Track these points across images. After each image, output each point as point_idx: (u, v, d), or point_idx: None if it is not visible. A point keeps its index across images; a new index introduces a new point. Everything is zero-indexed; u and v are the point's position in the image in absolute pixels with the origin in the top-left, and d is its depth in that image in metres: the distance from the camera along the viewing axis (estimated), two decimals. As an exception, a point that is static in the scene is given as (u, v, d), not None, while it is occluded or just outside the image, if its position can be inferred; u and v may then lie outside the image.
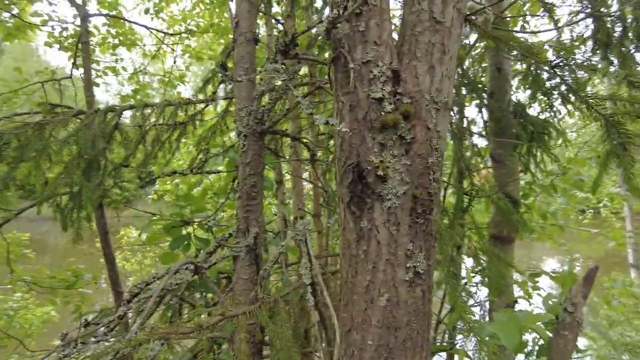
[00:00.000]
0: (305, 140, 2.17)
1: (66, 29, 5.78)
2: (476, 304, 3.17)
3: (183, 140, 2.74)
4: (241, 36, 1.77)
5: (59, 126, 2.33)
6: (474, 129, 2.71)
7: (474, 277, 2.65)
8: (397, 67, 1.07)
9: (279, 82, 1.68)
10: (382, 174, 1.01)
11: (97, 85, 5.94)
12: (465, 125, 2.42)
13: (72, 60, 4.63)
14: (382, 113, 1.03)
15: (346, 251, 1.09)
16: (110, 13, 5.24)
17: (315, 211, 3.74)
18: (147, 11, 5.68)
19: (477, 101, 2.62)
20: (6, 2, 5.82)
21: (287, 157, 2.92)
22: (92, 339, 1.44)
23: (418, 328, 1.02)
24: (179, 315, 1.94)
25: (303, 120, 3.07)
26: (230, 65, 2.19)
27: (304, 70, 3.06)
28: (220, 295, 1.64)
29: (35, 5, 5.95)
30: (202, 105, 2.68)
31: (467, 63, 2.54)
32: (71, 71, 4.48)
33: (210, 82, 3.05)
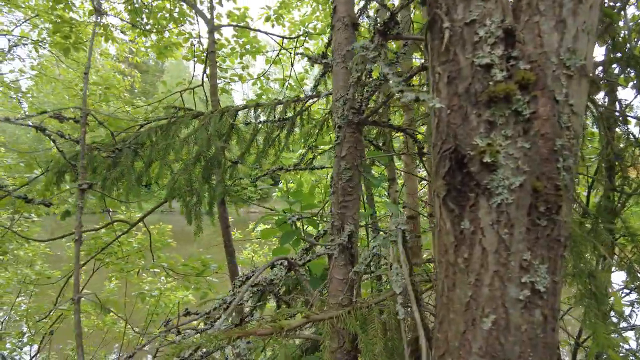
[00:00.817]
0: (410, 132, 1.97)
1: (201, 43, 6.45)
2: (630, 328, 2.56)
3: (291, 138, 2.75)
4: (339, 22, 1.67)
5: (181, 127, 2.53)
6: (630, 114, 2.17)
7: (626, 295, 2.12)
8: (512, 25, 0.83)
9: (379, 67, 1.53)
10: (489, 160, 0.79)
11: (228, 92, 6.50)
12: (617, 109, 1.94)
13: (203, 70, 5.13)
14: (491, 83, 0.81)
15: (442, 258, 0.89)
16: (236, 24, 5.65)
17: (431, 210, 3.46)
18: (268, 19, 5.99)
19: (635, 81, 2.09)
20: (158, 26, 6.72)
21: (395, 152, 2.72)
22: (188, 331, 1.48)
23: (537, 364, 0.77)
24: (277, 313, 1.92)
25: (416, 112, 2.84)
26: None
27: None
28: (312, 294, 1.55)
29: (181, 26, 6.74)
30: (310, 102, 2.65)
31: (622, 32, 2.03)
32: (202, 79, 4.95)
33: (320, 81, 3.04)
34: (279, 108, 2.66)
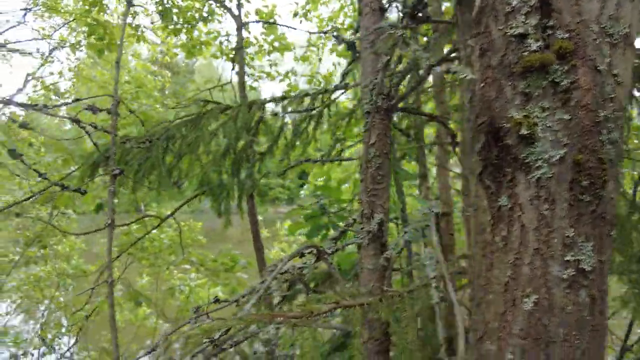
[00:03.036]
0: (443, 120, 1.91)
1: (229, 41, 6.54)
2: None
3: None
4: (366, 7, 1.64)
5: (210, 120, 2.56)
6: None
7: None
8: (550, -8, 0.79)
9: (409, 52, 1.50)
10: (527, 133, 0.75)
11: (255, 89, 6.56)
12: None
13: (232, 68, 5.20)
14: (525, 54, 0.77)
15: (478, 237, 0.85)
16: (265, 21, 5.69)
17: (465, 208, 3.37)
18: (295, 14, 6.01)
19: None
20: (187, 26, 6.86)
21: (426, 143, 2.66)
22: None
23: (583, 346, 0.72)
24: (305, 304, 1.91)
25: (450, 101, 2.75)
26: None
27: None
28: (342, 282, 1.54)
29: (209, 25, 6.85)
30: (338, 93, 2.63)
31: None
32: (231, 76, 5.00)
33: (349, 74, 3.01)
34: (307, 100, 2.65)
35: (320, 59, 5.25)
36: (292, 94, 2.66)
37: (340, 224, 2.90)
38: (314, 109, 2.61)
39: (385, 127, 1.59)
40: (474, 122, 0.83)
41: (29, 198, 3.12)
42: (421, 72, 1.64)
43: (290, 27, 5.08)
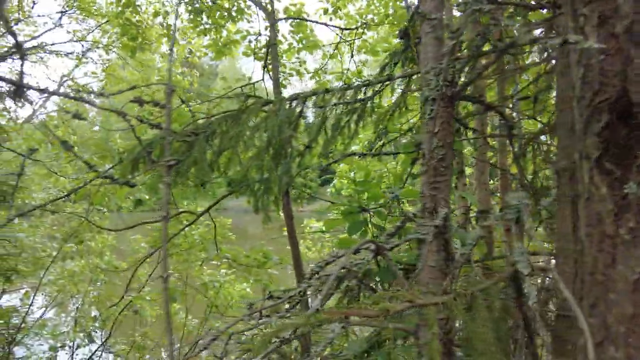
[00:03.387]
0: (502, 110, 1.80)
1: (259, 41, 6.52)
2: None
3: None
4: (428, -10, 1.55)
5: (251, 115, 2.52)
6: None
7: None
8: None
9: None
10: (665, 109, 0.66)
11: (285, 86, 6.53)
12: None
13: (260, 68, 5.18)
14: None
15: (593, 230, 0.76)
16: (296, 17, 5.65)
17: (504, 204, 3.23)
18: (325, 11, 5.94)
19: None
20: (216, 26, 6.88)
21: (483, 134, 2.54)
22: (276, 314, 1.44)
23: None
24: (357, 301, 1.84)
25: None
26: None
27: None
28: (404, 281, 1.45)
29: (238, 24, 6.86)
30: (380, 86, 2.55)
31: None
32: (263, 74, 4.99)
33: (386, 67, 2.92)
34: (349, 93, 2.57)
35: (352, 55, 5.17)
36: (334, 86, 2.59)
37: (381, 221, 2.82)
38: (357, 101, 2.53)
39: (449, 115, 1.50)
40: (591, 101, 0.74)
41: (69, 193, 3.16)
42: (483, 61, 1.54)
43: (322, 24, 5.02)
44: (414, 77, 2.57)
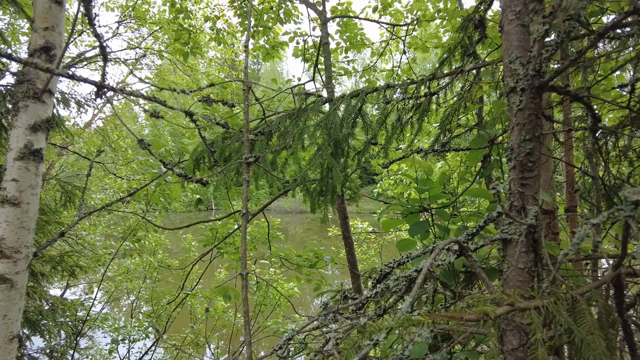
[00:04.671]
0: (588, 101, 1.66)
1: (306, 42, 6.55)
2: None
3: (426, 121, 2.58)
4: (513, -28, 1.46)
5: (310, 114, 2.50)
6: None
7: None
8: None
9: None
10: None
11: (333, 86, 6.51)
12: None
13: (308, 70, 5.19)
14: None
15: None
16: (346, 15, 5.62)
17: (569, 204, 3.03)
18: (375, 9, 5.87)
19: None
20: (261, 27, 6.97)
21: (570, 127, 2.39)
22: (352, 315, 1.39)
23: None
24: (431, 304, 1.76)
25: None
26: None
27: None
28: (490, 285, 1.37)
29: (285, 27, 6.95)
30: (447, 80, 2.46)
31: None
32: (313, 74, 4.99)
33: (445, 62, 2.82)
34: (412, 88, 2.50)
35: (404, 52, 5.07)
36: (396, 82, 2.52)
37: (445, 221, 2.72)
38: (420, 97, 2.45)
39: (536, 107, 1.40)
40: None
41: (132, 193, 3.28)
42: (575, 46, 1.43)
43: (373, 21, 4.95)
44: (482, 69, 2.46)
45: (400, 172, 5.61)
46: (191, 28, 6.90)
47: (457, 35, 2.73)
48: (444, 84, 2.43)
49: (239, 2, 6.84)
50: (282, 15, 6.88)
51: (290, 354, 1.63)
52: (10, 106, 3.55)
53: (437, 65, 2.96)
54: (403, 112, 2.51)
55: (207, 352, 7.35)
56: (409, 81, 2.46)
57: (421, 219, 2.70)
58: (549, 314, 1.06)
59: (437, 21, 6.10)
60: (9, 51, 1.22)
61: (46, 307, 4.86)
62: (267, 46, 6.98)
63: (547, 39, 1.42)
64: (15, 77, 2.56)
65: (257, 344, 7.27)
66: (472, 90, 2.41)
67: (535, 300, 1.08)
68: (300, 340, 1.72)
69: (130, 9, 8.79)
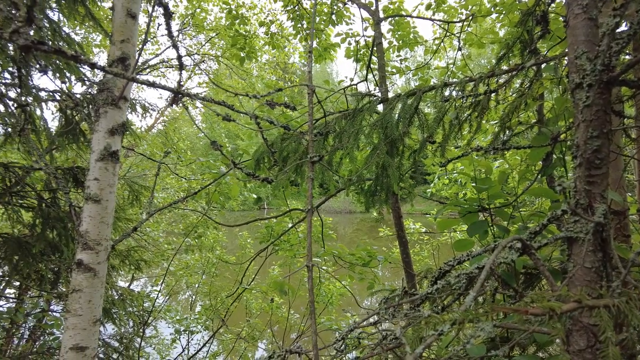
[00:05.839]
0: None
1: (358, 42, 6.59)
2: None
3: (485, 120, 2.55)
4: (580, -34, 1.43)
5: (368, 113, 2.55)
6: None
7: None
8: None
9: None
10: None
11: (387, 86, 6.50)
12: None
13: (360, 70, 5.23)
14: None
15: None
16: (398, 14, 5.60)
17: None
18: (428, 7, 5.80)
19: None
20: (309, 30, 7.10)
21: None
22: (410, 312, 1.43)
23: None
24: (492, 303, 1.76)
25: None
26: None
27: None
28: (554, 284, 1.35)
29: (336, 28, 7.03)
30: (506, 77, 2.41)
31: None
32: (366, 75, 5.03)
33: (504, 59, 2.76)
34: (469, 86, 2.48)
35: (459, 49, 4.97)
36: (453, 80, 2.51)
37: (504, 222, 2.67)
38: (479, 94, 2.43)
39: (605, 102, 1.37)
40: None
41: (196, 192, 3.49)
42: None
43: (426, 19, 4.91)
44: (543, 65, 2.39)
45: (455, 172, 5.50)
46: (246, 33, 7.17)
47: (515, 30, 2.67)
48: (502, 81, 2.39)
49: (292, 7, 7.01)
50: (334, 17, 6.97)
51: (346, 349, 1.70)
52: (87, 112, 3.91)
53: (495, 61, 2.91)
54: (461, 110, 2.49)
55: (260, 346, 7.61)
56: (467, 79, 2.44)
57: (480, 219, 2.67)
58: (620, 314, 1.04)
59: (493, 15, 5.92)
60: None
61: (116, 297, 5.25)
62: (319, 48, 7.10)
63: (617, 30, 1.38)
64: (97, 86, 2.82)
65: (310, 340, 7.42)
66: (532, 86, 2.35)
67: (605, 299, 1.07)
68: (355, 336, 1.78)
69: (189, 17, 9.27)
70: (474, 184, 2.76)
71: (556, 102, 2.25)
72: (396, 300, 1.63)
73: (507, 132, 2.44)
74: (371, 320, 1.66)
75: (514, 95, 2.72)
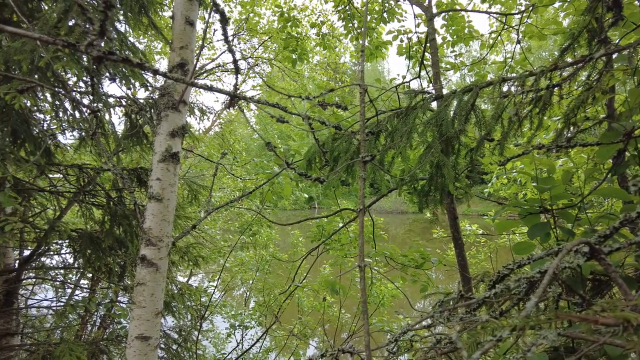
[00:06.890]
0: None
1: (410, 39, 6.47)
2: None
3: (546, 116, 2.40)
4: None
5: (421, 110, 2.49)
6: None
7: None
8: None
9: None
10: None
11: (442, 83, 6.34)
12: None
13: (413, 67, 5.12)
14: None
15: None
16: (451, 9, 5.44)
17: None
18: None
19: None
20: (360, 29, 7.05)
21: None
22: (466, 316, 1.38)
23: None
24: (555, 310, 1.65)
25: None
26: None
27: None
28: (628, 292, 1.25)
29: (388, 26, 6.94)
30: (571, 70, 2.26)
31: None
32: (419, 72, 4.92)
33: (568, 49, 2.59)
34: (530, 80, 2.35)
35: (518, 42, 4.73)
36: (512, 74, 2.39)
37: (568, 224, 2.51)
38: (540, 89, 2.29)
39: (689, 94, 1.25)
40: None
41: (252, 191, 3.60)
42: None
43: (482, 12, 4.71)
44: (615, 55, 2.22)
45: (515, 171, 5.24)
46: (298, 35, 7.27)
47: (582, 19, 2.50)
48: (567, 74, 2.24)
49: (343, 7, 7.02)
50: (385, 15, 6.90)
51: (398, 351, 1.67)
52: (149, 116, 4.16)
53: (558, 53, 2.74)
54: (521, 106, 2.37)
55: (311, 344, 7.68)
56: (527, 73, 2.32)
57: (541, 221, 2.53)
58: None
59: (557, 4, 5.58)
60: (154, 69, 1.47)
61: (176, 291, 5.51)
62: (370, 47, 7.05)
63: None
64: (158, 91, 2.99)
65: (361, 340, 7.39)
66: (602, 79, 2.18)
67: (687, 308, 0.97)
68: (408, 338, 1.75)
69: (243, 22, 9.57)
70: (535, 184, 2.63)
71: (630, 94, 2.08)
72: (451, 304, 1.58)
73: (572, 128, 2.28)
74: (424, 323, 1.62)
75: (579, 89, 2.54)
